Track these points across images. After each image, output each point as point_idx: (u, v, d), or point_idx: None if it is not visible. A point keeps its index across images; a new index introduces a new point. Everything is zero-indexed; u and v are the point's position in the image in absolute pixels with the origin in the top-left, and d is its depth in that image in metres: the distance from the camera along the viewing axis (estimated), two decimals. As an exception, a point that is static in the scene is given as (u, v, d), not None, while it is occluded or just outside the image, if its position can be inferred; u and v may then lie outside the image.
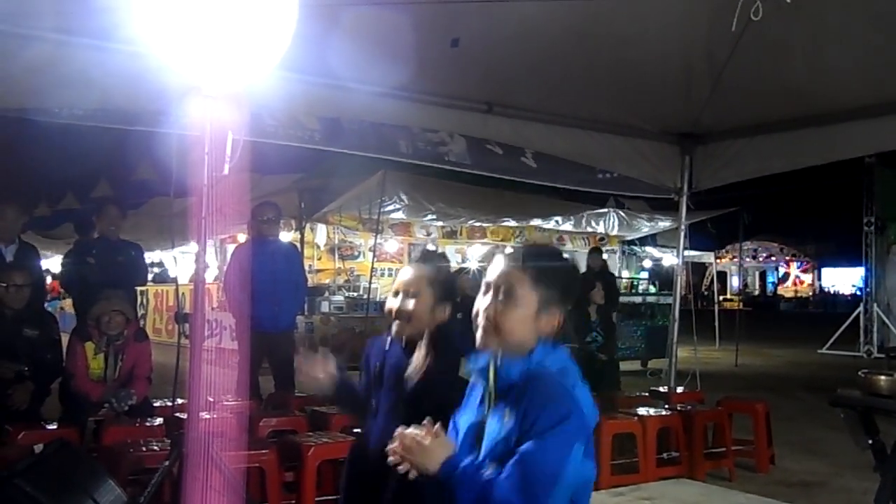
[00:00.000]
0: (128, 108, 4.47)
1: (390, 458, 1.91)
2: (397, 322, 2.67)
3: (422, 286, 2.66)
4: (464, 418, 2.07)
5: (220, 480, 3.16)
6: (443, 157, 5.80)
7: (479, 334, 1.99)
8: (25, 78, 4.10)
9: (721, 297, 24.48)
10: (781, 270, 50.16)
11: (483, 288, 2.02)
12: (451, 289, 2.76)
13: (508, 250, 2.09)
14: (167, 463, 3.46)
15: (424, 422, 1.94)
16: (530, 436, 1.81)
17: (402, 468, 1.91)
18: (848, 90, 5.31)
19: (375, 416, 2.71)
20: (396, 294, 2.69)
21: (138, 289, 8.70)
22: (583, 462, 1.85)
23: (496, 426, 1.92)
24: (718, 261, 22.58)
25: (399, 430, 1.93)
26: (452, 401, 2.40)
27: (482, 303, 2.00)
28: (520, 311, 1.94)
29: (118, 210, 6.84)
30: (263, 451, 4.44)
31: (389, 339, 2.79)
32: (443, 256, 6.25)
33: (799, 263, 49.43)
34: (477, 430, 1.99)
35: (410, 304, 2.64)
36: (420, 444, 1.89)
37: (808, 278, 49.67)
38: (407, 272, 2.74)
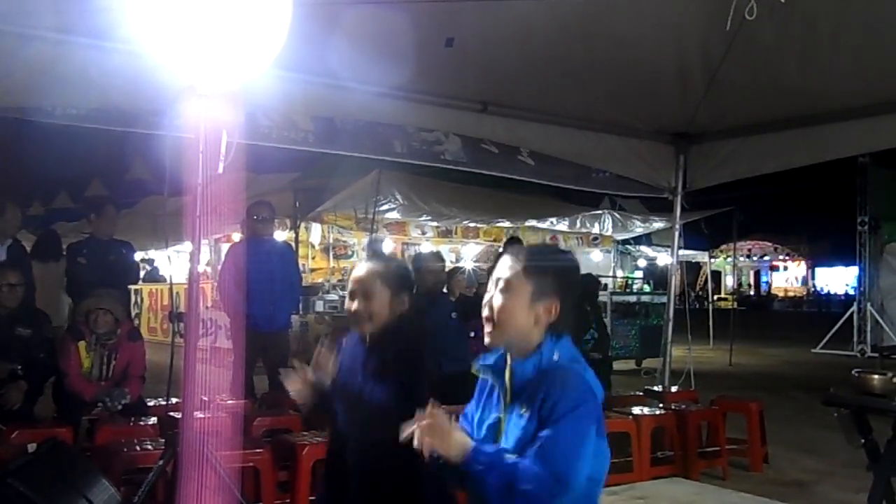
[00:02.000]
0: (125, 108, 4.46)
1: (415, 442, 1.93)
2: (359, 324, 2.66)
3: (374, 284, 2.64)
4: (479, 415, 2.16)
5: (214, 480, 3.16)
6: (438, 156, 5.80)
7: (486, 329, 2.11)
8: (23, 77, 4.09)
9: (715, 297, 24.54)
10: (778, 265, 50.24)
11: (488, 285, 2.16)
12: (405, 278, 2.75)
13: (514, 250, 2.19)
14: (161, 462, 3.46)
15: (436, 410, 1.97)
16: (548, 423, 1.92)
17: (425, 451, 1.93)
18: (841, 90, 5.33)
19: (337, 416, 2.71)
20: (353, 297, 2.66)
21: (132, 288, 8.66)
22: (597, 441, 1.98)
23: (515, 422, 2.02)
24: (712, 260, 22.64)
25: (426, 413, 1.96)
26: (409, 389, 2.42)
27: (486, 297, 2.13)
28: (514, 299, 2.06)
29: (116, 210, 6.83)
30: (257, 451, 4.43)
31: (346, 338, 2.79)
32: (438, 256, 6.20)
33: (793, 263, 49.55)
34: (497, 428, 2.09)
35: (366, 304, 2.62)
36: (445, 428, 1.96)
37: (801, 278, 49.79)
38: (358, 271, 2.71)
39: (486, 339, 2.11)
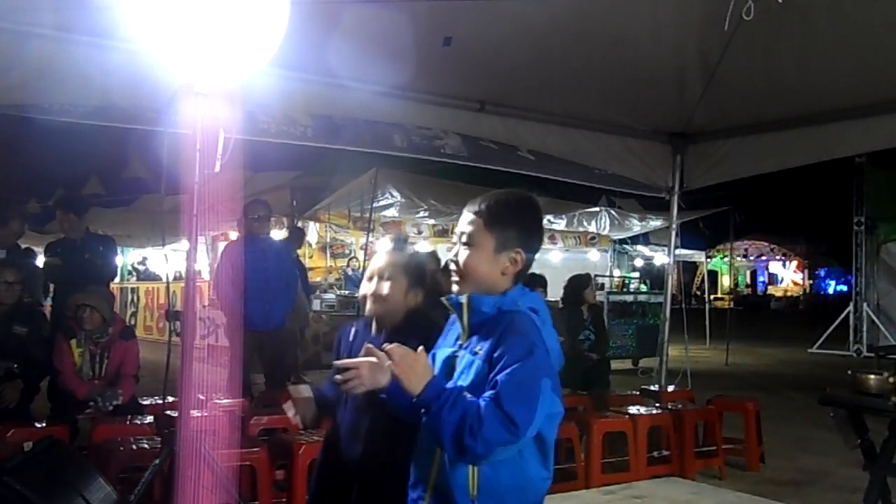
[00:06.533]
0: (124, 106, 4.45)
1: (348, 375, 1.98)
2: (371, 304, 2.68)
3: (396, 270, 2.68)
4: (440, 351, 2.17)
5: (210, 478, 3.16)
6: (439, 150, 5.78)
7: (453, 281, 2.13)
8: (22, 74, 4.08)
9: (712, 297, 24.57)
10: (775, 265, 50.32)
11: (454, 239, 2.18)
12: (423, 275, 2.78)
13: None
14: (158, 461, 3.45)
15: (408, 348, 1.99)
16: (502, 368, 1.92)
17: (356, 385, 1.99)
18: (838, 90, 5.33)
19: (345, 406, 2.71)
20: (371, 278, 2.71)
21: (129, 286, 8.61)
22: (551, 396, 1.97)
23: (469, 360, 2.03)
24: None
25: (391, 346, 1.97)
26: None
27: (451, 252, 2.15)
28: (478, 252, 2.08)
29: (64, 213, 6.63)
30: (254, 450, 4.43)
31: (354, 328, 2.82)
32: (434, 256, 6.16)
33: (789, 262, 49.63)
34: (451, 361, 2.10)
35: (385, 286, 2.66)
36: (410, 359, 1.95)
37: (798, 277, 49.88)
38: (381, 257, 2.75)
39: (454, 289, 2.12)
